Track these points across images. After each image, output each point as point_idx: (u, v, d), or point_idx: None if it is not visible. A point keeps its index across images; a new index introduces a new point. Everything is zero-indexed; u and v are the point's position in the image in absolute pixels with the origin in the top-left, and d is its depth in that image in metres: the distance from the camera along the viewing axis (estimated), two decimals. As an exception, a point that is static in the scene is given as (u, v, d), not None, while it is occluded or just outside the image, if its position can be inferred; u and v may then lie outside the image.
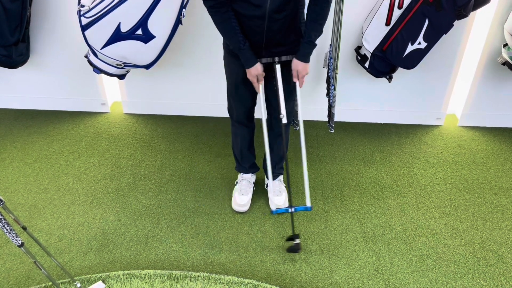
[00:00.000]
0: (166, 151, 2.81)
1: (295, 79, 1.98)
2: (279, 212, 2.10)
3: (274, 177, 2.44)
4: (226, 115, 2.36)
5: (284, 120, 2.01)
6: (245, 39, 1.87)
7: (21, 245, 1.55)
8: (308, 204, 2.09)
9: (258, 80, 1.97)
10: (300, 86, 2.01)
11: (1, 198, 1.49)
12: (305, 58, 1.92)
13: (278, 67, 1.95)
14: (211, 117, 3.14)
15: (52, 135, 2.94)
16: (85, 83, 3.05)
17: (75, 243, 2.18)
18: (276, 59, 1.94)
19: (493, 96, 2.94)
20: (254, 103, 2.20)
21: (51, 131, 2.98)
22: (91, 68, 2.52)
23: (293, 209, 2.06)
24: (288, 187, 2.25)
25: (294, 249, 2.09)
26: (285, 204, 2.36)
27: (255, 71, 1.93)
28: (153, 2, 2.22)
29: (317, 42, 2.73)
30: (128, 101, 3.14)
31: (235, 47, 1.88)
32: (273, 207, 2.36)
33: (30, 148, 2.82)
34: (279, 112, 2.00)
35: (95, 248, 2.15)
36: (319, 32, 1.89)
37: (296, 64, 1.93)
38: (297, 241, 2.08)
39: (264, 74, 1.97)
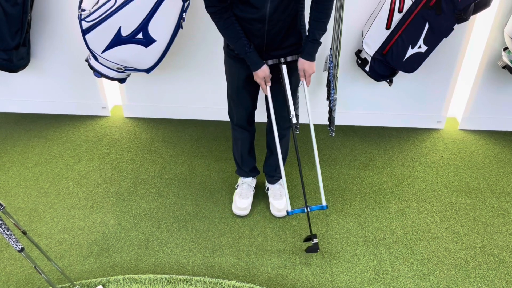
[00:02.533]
0: (166, 154, 2.81)
1: (302, 78, 1.99)
2: (296, 213, 2.09)
3: (275, 181, 2.44)
4: (227, 118, 2.36)
5: (294, 120, 2.02)
6: (250, 43, 1.88)
7: (21, 250, 1.54)
8: (324, 202, 2.08)
9: (265, 82, 1.97)
10: (308, 85, 2.01)
11: (1, 202, 1.49)
12: (311, 57, 1.92)
13: (284, 67, 1.95)
14: (211, 120, 3.14)
15: (52, 139, 2.94)
16: (85, 87, 3.05)
17: (75, 247, 2.17)
18: (282, 59, 1.94)
19: (494, 99, 2.94)
20: (255, 107, 2.20)
21: (51, 135, 2.97)
22: (91, 72, 2.53)
23: (308, 209, 2.06)
24: (303, 187, 2.22)
25: (313, 249, 2.09)
26: (285, 208, 2.36)
27: (262, 73, 1.93)
28: (153, 6, 2.22)
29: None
30: (128, 105, 3.14)
31: (241, 51, 1.88)
32: (273, 211, 2.36)
33: (31, 152, 2.82)
34: (288, 112, 2.00)
35: (95, 252, 2.15)
36: (323, 30, 1.88)
37: (302, 63, 1.93)
38: (315, 241, 2.08)
39: (271, 75, 1.97)
